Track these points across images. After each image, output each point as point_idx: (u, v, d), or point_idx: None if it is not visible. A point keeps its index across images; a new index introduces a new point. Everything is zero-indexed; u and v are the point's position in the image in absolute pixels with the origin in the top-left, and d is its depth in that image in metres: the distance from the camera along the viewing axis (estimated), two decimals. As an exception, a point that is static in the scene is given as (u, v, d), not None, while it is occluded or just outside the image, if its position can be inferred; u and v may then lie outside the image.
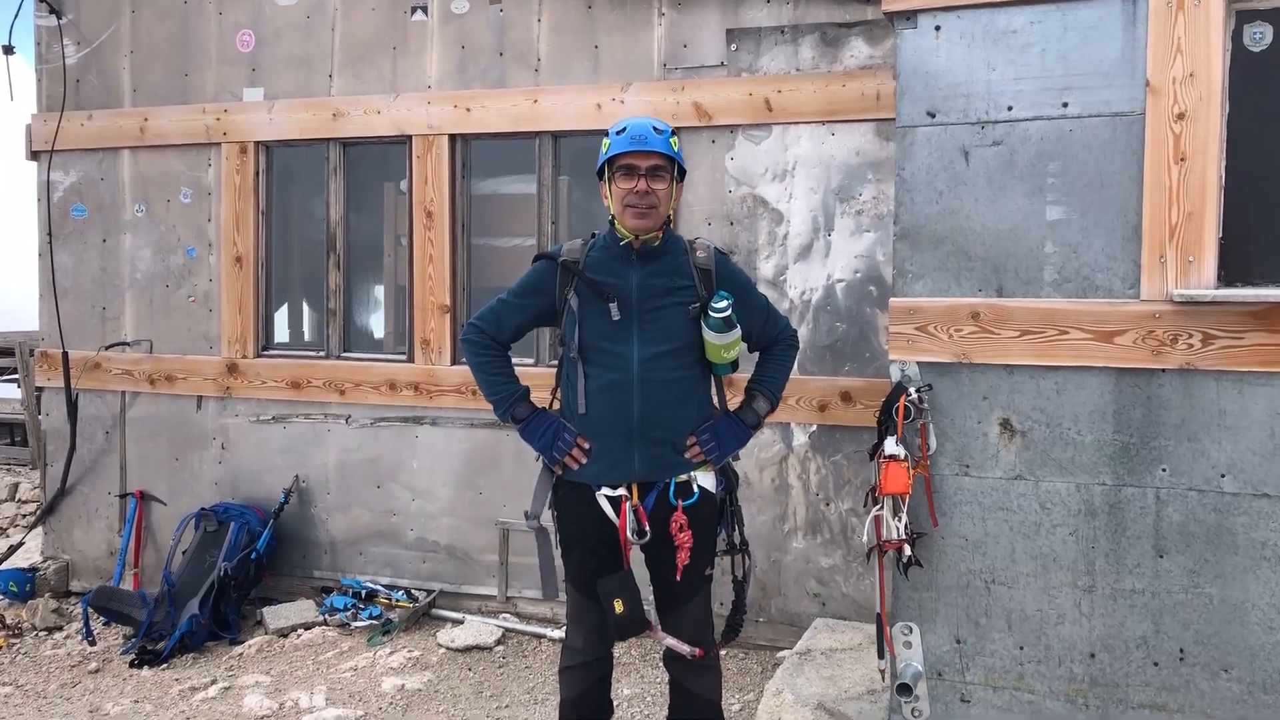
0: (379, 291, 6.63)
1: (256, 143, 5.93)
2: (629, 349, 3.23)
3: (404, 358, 5.74)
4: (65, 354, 6.30)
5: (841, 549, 4.96)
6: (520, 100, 5.39)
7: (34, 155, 6.42)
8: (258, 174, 5.96)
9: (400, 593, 5.62)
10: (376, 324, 6.78)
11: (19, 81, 6.59)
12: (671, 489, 3.27)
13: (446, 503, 5.67)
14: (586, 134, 5.33)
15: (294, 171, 6.22)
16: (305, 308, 6.77)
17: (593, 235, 3.43)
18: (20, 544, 6.73)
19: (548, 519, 3.36)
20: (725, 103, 5.01)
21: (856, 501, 4.92)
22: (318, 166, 5.92)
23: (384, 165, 6.01)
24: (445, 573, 5.68)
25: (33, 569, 6.52)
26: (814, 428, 4.97)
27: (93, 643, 5.61)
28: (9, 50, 6.38)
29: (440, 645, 5.20)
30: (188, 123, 6.04)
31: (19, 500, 13.03)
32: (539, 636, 5.29)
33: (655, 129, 3.21)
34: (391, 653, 5.12)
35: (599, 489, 3.29)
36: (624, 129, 3.22)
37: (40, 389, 6.60)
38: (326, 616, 5.54)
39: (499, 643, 5.24)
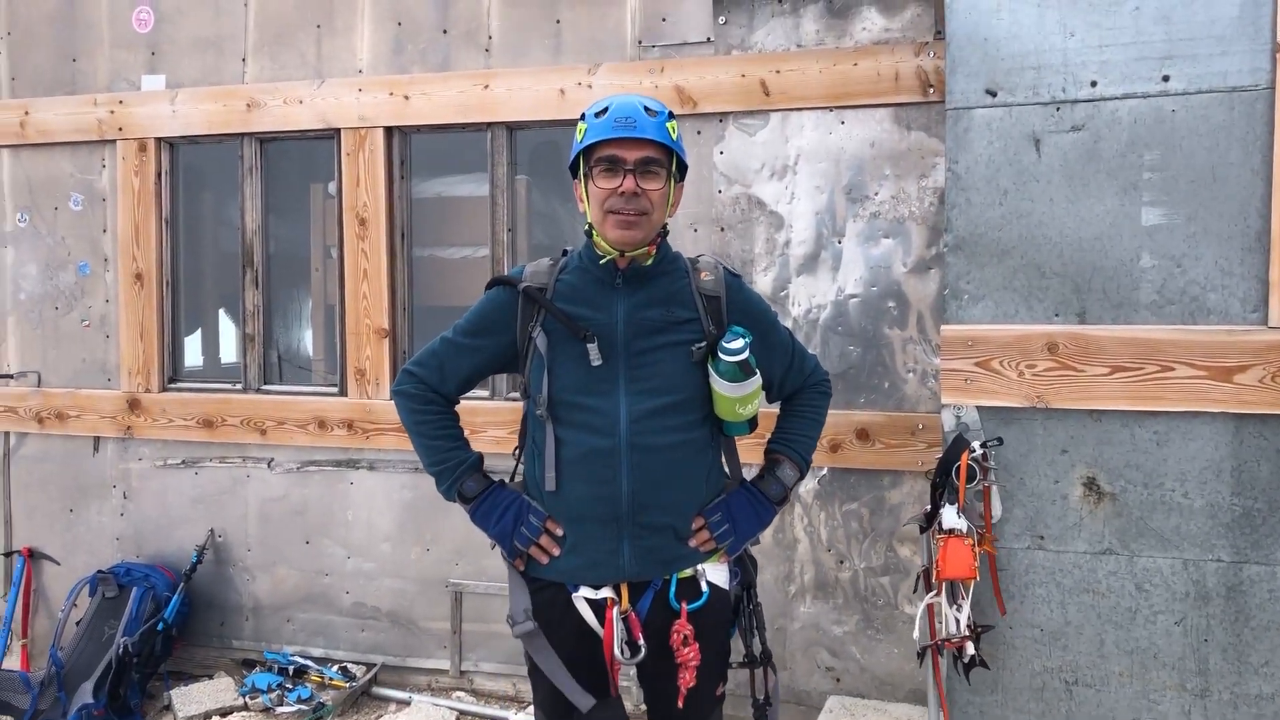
0: (306, 312, 5.76)
1: (158, 139, 5.04)
2: (614, 404, 2.43)
3: (335, 390, 4.88)
4: (-65, 389, 5.38)
5: (858, 614, 4.18)
6: (468, 86, 4.55)
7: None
8: (160, 176, 5.07)
9: (334, 669, 4.76)
10: (304, 351, 5.91)
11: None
12: (673, 589, 2.49)
13: (388, 561, 4.82)
14: (548, 124, 4.51)
15: (203, 173, 5.36)
16: (223, 332, 5.89)
17: (564, 253, 2.62)
18: None
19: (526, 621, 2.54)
20: (713, 86, 4.20)
21: (874, 558, 4.14)
22: (230, 166, 5.04)
23: (309, 164, 5.16)
24: (388, 643, 4.83)
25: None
26: (824, 471, 4.18)
27: (-42, 741, 4.71)
28: None
29: (382, 738, 4.36)
30: (77, 116, 5.14)
31: None
32: (500, 721, 4.47)
33: (647, 109, 2.41)
34: (323, 749, 4.26)
35: (576, 590, 2.49)
36: (605, 109, 2.42)
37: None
38: (248, 699, 4.67)
39: (453, 730, 4.41)
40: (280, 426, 4.91)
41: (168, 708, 4.77)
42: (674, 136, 2.44)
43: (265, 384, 5.03)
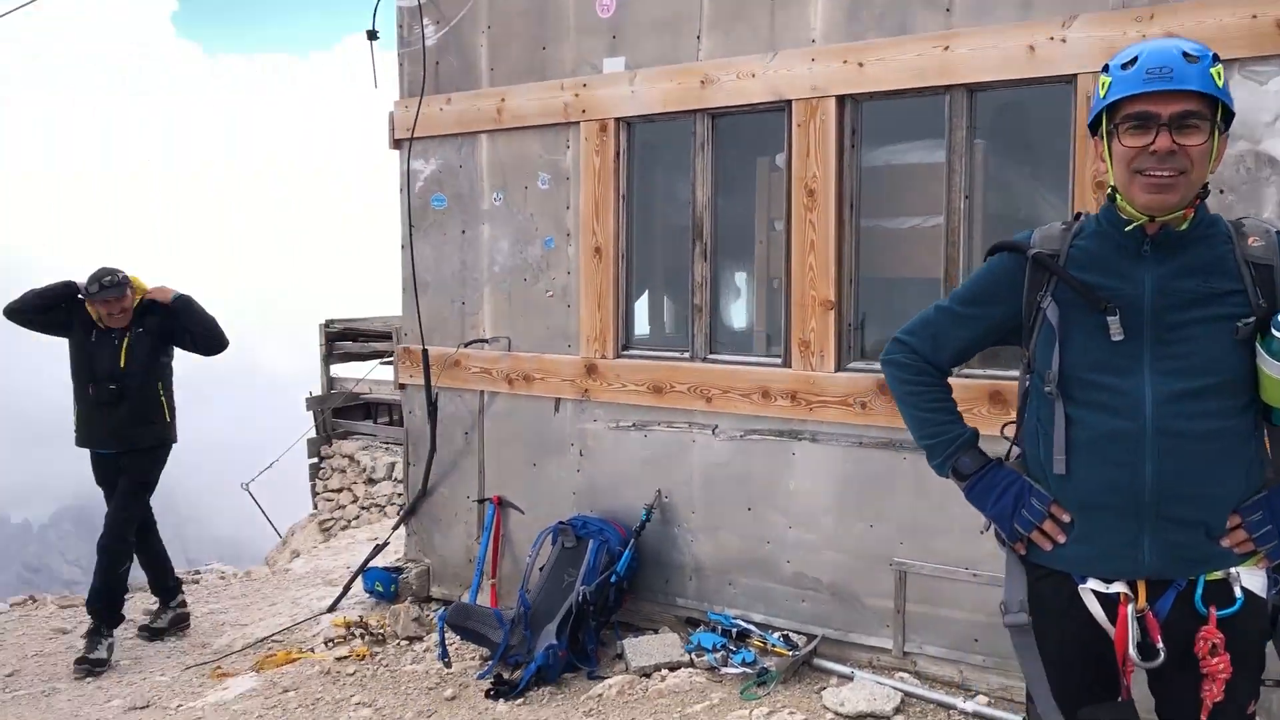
0: (748, 284, 5.87)
1: (617, 119, 5.31)
2: (1139, 384, 2.22)
3: (779, 362, 4.93)
4: (425, 351, 6.03)
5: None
6: (926, 49, 4.38)
7: (396, 144, 6.19)
8: (618, 154, 5.34)
9: (776, 635, 4.83)
10: (746, 322, 6.03)
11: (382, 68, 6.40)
12: (1199, 591, 2.23)
13: (829, 534, 4.81)
14: (1013, 84, 4.25)
15: (656, 150, 5.57)
16: (666, 302, 6.14)
17: (1076, 216, 2.42)
18: (385, 544, 6.60)
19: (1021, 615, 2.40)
20: (1214, 31, 3.74)
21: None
22: (682, 143, 5.22)
23: (757, 137, 5.20)
24: (828, 616, 4.83)
25: (397, 569, 6.36)
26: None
27: (448, 665, 5.27)
28: (373, 36, 6.17)
29: (828, 709, 4.35)
30: (545, 101, 5.53)
31: (394, 479, 13.63)
32: (946, 707, 4.32)
33: (1186, 55, 2.16)
34: (770, 713, 4.33)
35: (1084, 582, 2.31)
36: (1133, 59, 2.19)
37: (403, 385, 6.40)
38: (694, 656, 4.86)
39: (897, 711, 4.32)
40: (724, 395, 5.04)
41: (619, 656, 5.06)
42: (1220, 85, 2.17)
43: (711, 354, 5.18)
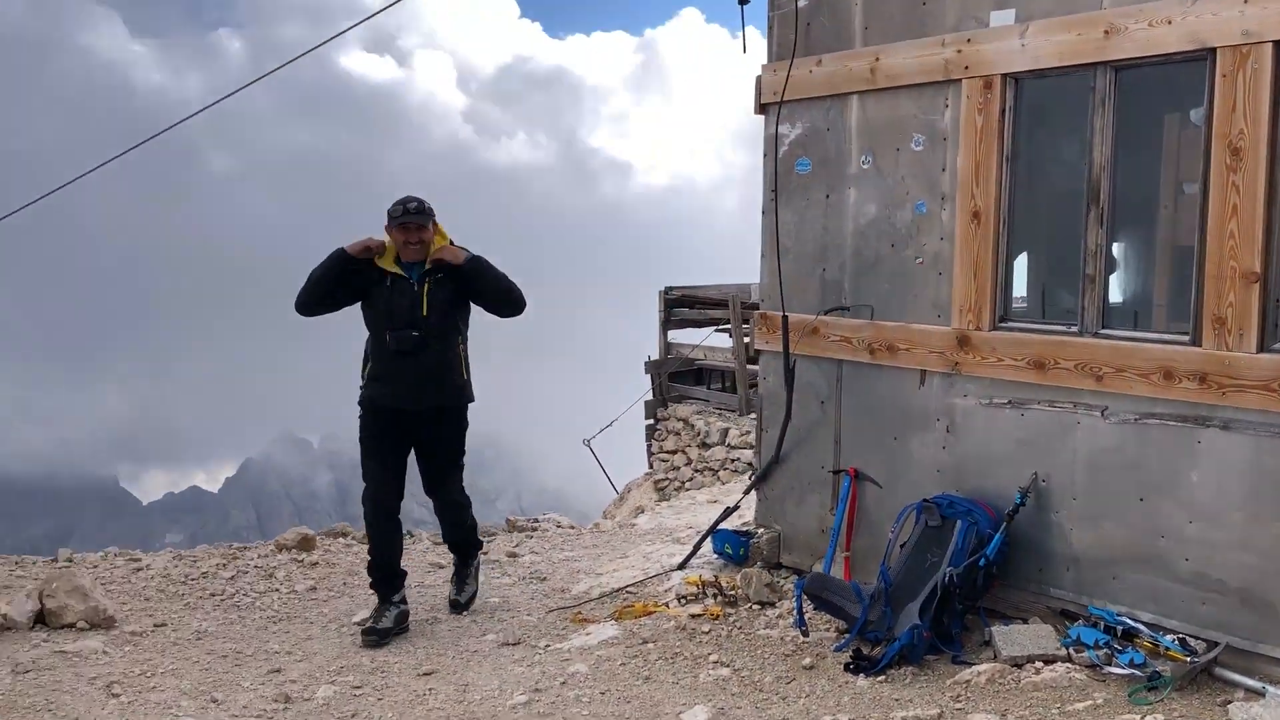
0: (1146, 253, 5.37)
1: (1004, 75, 4.99)
2: None
3: (1186, 339, 4.46)
4: (785, 318, 5.98)
5: None
6: (1396, -18, 3.77)
7: (761, 108, 6.15)
8: (1003, 113, 5.02)
9: (1170, 638, 4.41)
10: (1145, 294, 5.53)
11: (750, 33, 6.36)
12: None
13: (1239, 533, 4.31)
14: None
15: (1043, 108, 5.19)
16: (1048, 271, 5.73)
17: None
18: (736, 507, 6.64)
19: None
20: None
21: None
22: (1077, 99, 4.82)
23: (1166, 92, 4.73)
24: (1234, 622, 4.34)
25: (748, 534, 6.39)
26: None
27: (805, 633, 5.22)
28: (744, 0, 6.14)
29: (1233, 725, 3.92)
30: (923, 59, 5.29)
31: (728, 445, 13.83)
32: (1384, 740, 3.77)
33: None
34: (1164, 722, 3.96)
35: None
36: None
37: (759, 351, 6.39)
38: (1071, 651, 4.53)
39: (1320, 738, 3.82)
40: (1118, 374, 4.63)
41: (987, 644, 4.82)
42: None
43: (1103, 328, 4.78)
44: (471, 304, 5.80)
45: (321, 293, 5.65)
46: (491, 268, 5.69)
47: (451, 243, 5.74)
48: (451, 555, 6.37)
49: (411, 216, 5.54)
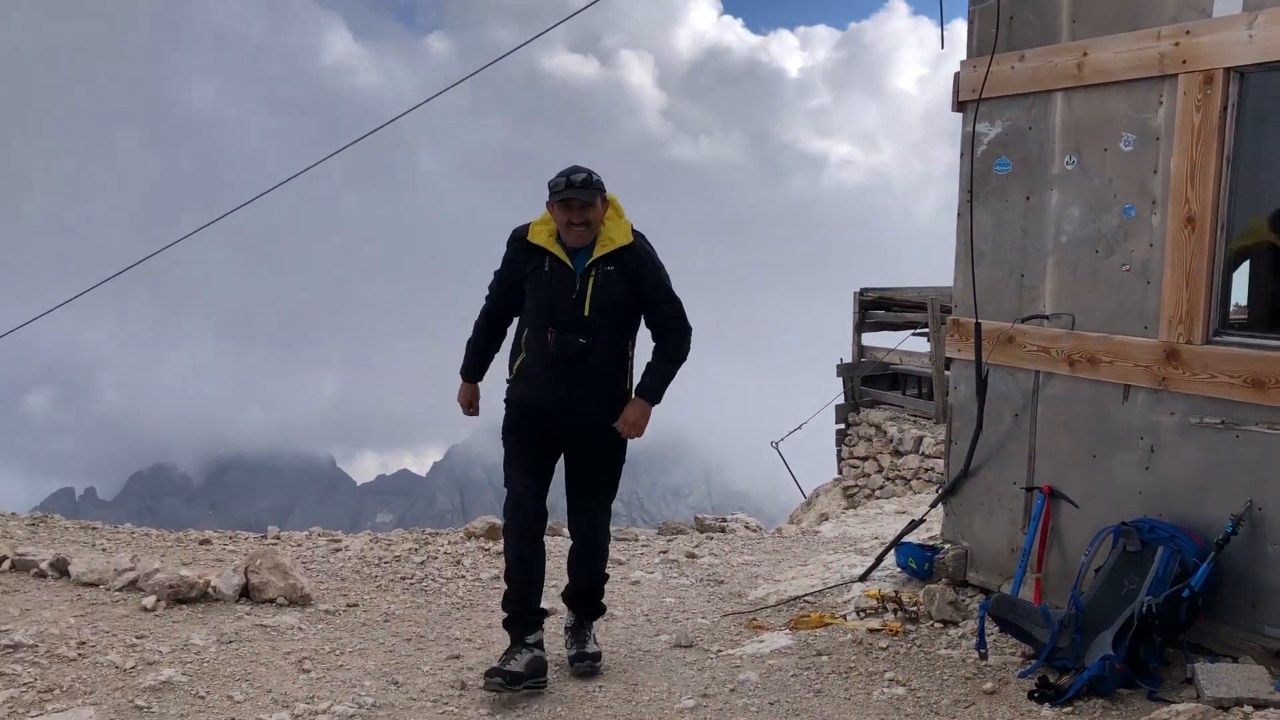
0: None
1: (1226, 69, 4.61)
2: None
3: None
4: (978, 325, 5.73)
5: None
6: None
7: (959, 106, 5.91)
8: (1225, 110, 4.64)
9: (1403, 693, 3.98)
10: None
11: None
12: None
13: None
14: None
15: (1272, 104, 4.77)
16: (1273, 282, 5.28)
17: None
18: (922, 520, 6.43)
19: None
20: None
21: None
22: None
23: None
24: None
25: (933, 549, 6.17)
26: None
27: (985, 656, 4.99)
28: (943, -5, 5.92)
29: None
30: (1136, 53, 4.95)
31: (922, 454, 13.42)
32: None
33: None
34: (1391, 786, 3.57)
35: None
36: None
37: (950, 359, 6.15)
38: (1285, 697, 4.15)
39: None
40: (1350, 396, 4.21)
41: (1189, 681, 4.47)
42: None
43: (1334, 345, 4.35)
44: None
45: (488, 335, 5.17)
46: (669, 376, 4.97)
47: (636, 404, 4.87)
48: (571, 611, 5.15)
49: (575, 191, 4.65)
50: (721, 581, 6.84)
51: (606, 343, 4.82)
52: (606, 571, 5.18)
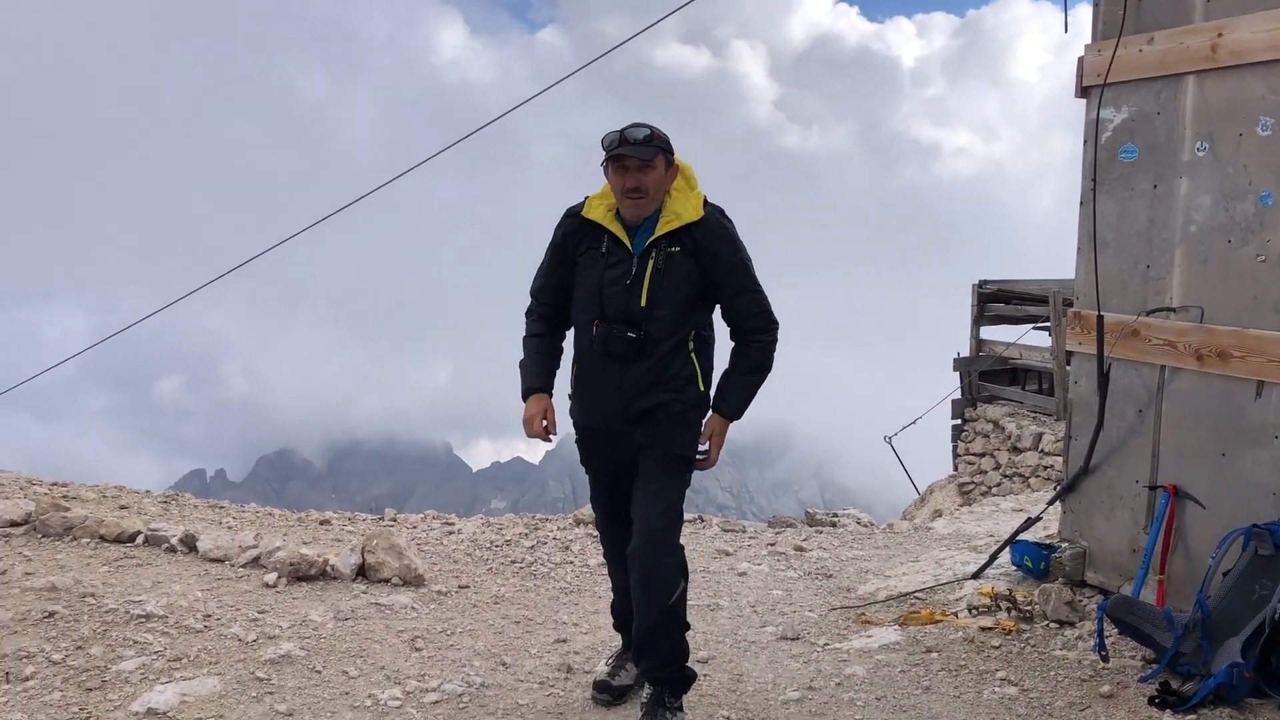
0: None
1: (1374, 48, 4.36)
2: None
3: None
4: (1100, 318, 5.54)
5: None
6: None
7: (1083, 91, 5.71)
8: (1372, 91, 4.39)
9: None
10: None
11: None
12: None
13: None
14: None
15: None
16: None
17: None
18: (1039, 518, 6.26)
19: None
20: None
21: None
22: None
23: None
24: None
25: (1049, 547, 6.00)
26: None
27: (1105, 659, 4.83)
28: (1067, -24, 5.73)
29: None
30: (1275, 32, 4.71)
31: (1041, 451, 13.05)
32: None
33: None
34: None
35: None
36: None
37: (1070, 353, 5.96)
38: None
39: None
40: None
41: (1324, 692, 4.26)
42: None
43: None
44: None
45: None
46: (753, 389, 4.18)
47: (715, 422, 4.15)
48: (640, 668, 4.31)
49: (631, 149, 3.84)
50: (830, 575, 6.77)
51: (666, 338, 3.95)
52: (680, 609, 4.12)
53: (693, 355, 4.04)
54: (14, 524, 6.53)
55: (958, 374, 15.17)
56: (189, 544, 6.21)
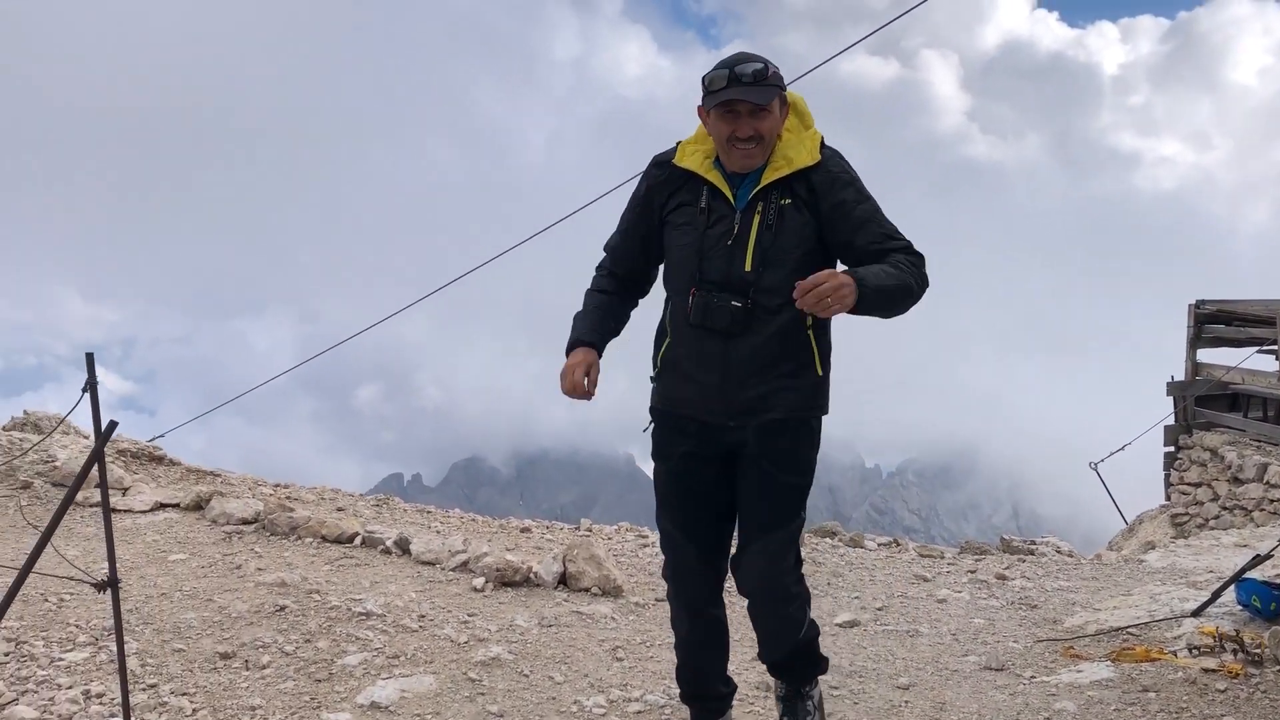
0: None
1: None
2: None
3: None
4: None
5: None
6: None
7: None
8: None
9: None
10: None
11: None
12: None
13: None
14: None
15: None
16: None
17: None
18: (1268, 555, 5.87)
19: None
20: None
21: None
22: None
23: None
24: None
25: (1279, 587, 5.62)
26: None
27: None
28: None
29: None
30: None
31: (1267, 483, 12.19)
32: None
33: None
34: None
35: None
36: None
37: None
38: None
39: None
40: None
41: None
42: None
43: None
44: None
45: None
46: (893, 282, 3.19)
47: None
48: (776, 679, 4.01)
49: (743, 90, 3.16)
50: (1034, 606, 6.53)
51: (777, 310, 3.27)
52: (808, 624, 3.77)
53: (810, 333, 3.34)
54: (245, 522, 7.04)
55: (1171, 399, 14.36)
56: (402, 547, 6.54)
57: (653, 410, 3.56)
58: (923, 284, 3.27)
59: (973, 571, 7.43)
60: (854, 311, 3.10)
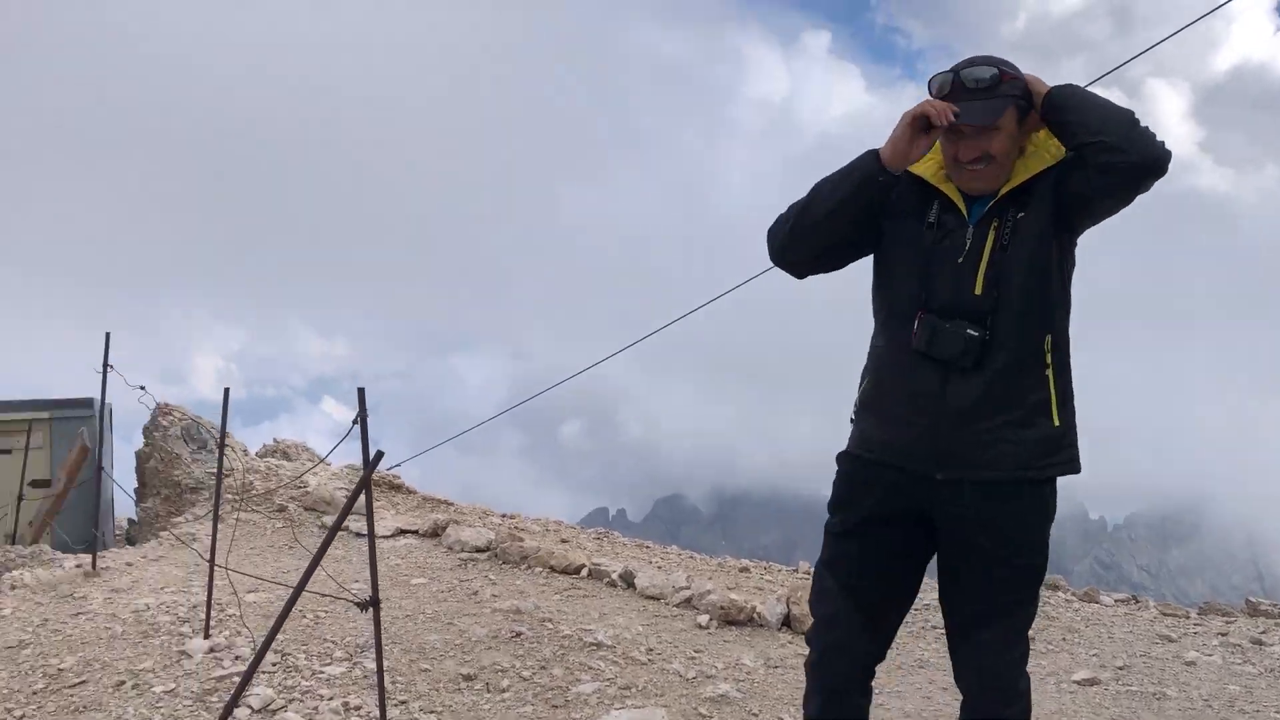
0: None
1: None
2: None
3: None
4: None
5: None
6: None
7: None
8: None
9: None
10: None
11: None
12: None
13: None
14: None
15: None
16: None
17: None
18: None
19: None
20: None
21: None
22: None
23: None
24: None
25: None
26: None
27: None
28: None
29: None
30: None
31: None
32: None
33: None
34: None
35: None
36: None
37: None
38: None
39: None
40: None
41: None
42: None
43: None
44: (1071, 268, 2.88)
45: (828, 227, 2.92)
46: (1103, 104, 2.75)
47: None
48: None
49: (968, 105, 2.73)
50: (1296, 675, 6.04)
51: (1011, 344, 2.77)
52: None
53: (1048, 374, 2.80)
54: (478, 550, 7.37)
55: None
56: (628, 580, 6.68)
57: (844, 457, 3.01)
58: (1149, 139, 2.69)
59: (1224, 634, 6.95)
60: (1047, 107, 2.75)
